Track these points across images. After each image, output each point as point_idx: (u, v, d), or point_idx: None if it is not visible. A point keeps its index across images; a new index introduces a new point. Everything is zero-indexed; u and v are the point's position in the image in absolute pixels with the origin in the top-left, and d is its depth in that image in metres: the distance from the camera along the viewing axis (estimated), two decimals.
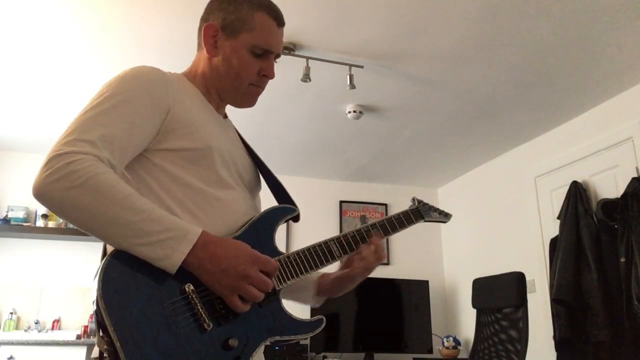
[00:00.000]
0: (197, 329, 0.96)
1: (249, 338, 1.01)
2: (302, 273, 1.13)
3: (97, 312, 0.90)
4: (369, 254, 1.23)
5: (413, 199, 1.38)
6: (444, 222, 1.43)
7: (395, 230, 1.29)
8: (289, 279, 1.10)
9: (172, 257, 0.94)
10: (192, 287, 0.97)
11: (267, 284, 1.01)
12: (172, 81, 1.12)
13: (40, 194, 0.92)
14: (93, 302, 0.92)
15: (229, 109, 1.30)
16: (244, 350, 1.00)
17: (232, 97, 1.22)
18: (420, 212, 1.35)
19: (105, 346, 0.90)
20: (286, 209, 1.19)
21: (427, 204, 1.37)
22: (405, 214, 1.32)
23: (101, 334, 0.91)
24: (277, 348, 4.03)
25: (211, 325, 0.97)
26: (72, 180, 0.91)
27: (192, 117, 1.10)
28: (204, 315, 0.97)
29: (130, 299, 0.92)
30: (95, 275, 0.93)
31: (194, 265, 0.97)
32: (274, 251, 1.12)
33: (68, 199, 0.91)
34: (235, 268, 0.98)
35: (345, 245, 1.21)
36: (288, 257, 1.12)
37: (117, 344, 0.88)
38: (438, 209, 1.40)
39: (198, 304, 0.97)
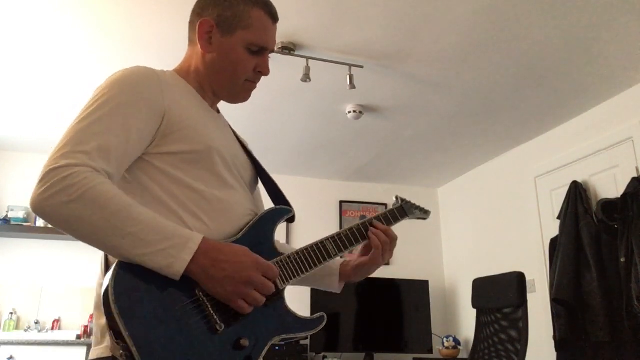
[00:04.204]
0: (209, 330, 0.97)
1: (258, 337, 1.03)
2: (302, 272, 1.14)
3: (110, 317, 0.89)
4: (377, 243, 1.27)
5: (396, 197, 1.42)
6: (424, 218, 1.48)
7: None
8: (291, 278, 1.12)
9: (174, 266, 0.94)
10: (202, 290, 0.98)
11: (269, 288, 1.02)
12: (166, 82, 1.10)
13: (38, 209, 0.91)
14: (102, 306, 0.91)
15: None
16: (254, 349, 1.02)
17: (227, 94, 1.22)
18: (405, 209, 1.39)
19: (120, 351, 0.89)
20: (283, 210, 1.20)
21: (410, 202, 1.42)
22: (391, 212, 1.37)
23: (115, 339, 0.90)
24: (277, 348, 4.02)
25: (222, 326, 0.98)
26: (68, 195, 0.90)
27: (189, 118, 1.09)
28: (215, 317, 0.98)
29: (143, 303, 0.92)
30: (105, 280, 0.93)
31: (197, 273, 0.96)
32: (274, 252, 1.13)
33: (66, 214, 0.91)
34: (239, 274, 0.98)
35: (339, 243, 1.23)
36: (288, 257, 1.14)
37: (133, 349, 0.88)
38: (419, 206, 1.45)
39: (209, 306, 0.98)
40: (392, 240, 1.30)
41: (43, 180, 0.91)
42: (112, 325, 0.89)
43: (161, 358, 0.90)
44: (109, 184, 0.95)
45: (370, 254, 1.29)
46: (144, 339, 0.89)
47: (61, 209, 0.90)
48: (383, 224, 1.32)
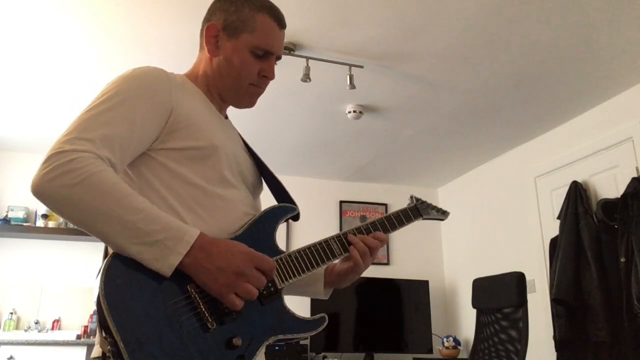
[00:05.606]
0: (200, 328, 0.96)
1: (252, 337, 1.01)
2: (303, 272, 1.13)
3: (100, 312, 0.89)
4: (365, 251, 1.22)
5: (411, 197, 1.39)
6: (442, 219, 1.44)
7: (394, 228, 1.30)
8: (290, 278, 1.11)
9: (168, 258, 0.94)
10: (194, 287, 0.98)
11: (261, 280, 1.01)
12: (175, 82, 1.12)
13: (39, 191, 0.92)
14: (95, 302, 0.91)
15: (230, 108, 1.30)
16: (248, 349, 1.00)
17: (232, 97, 1.23)
18: (419, 209, 1.36)
19: (108, 347, 0.89)
20: (286, 208, 1.19)
21: (425, 202, 1.39)
22: (404, 211, 1.33)
23: (104, 334, 0.90)
24: (277, 348, 4.03)
25: (214, 324, 0.97)
26: (71, 178, 0.91)
27: (195, 116, 1.11)
28: (207, 315, 0.97)
29: (133, 298, 0.92)
30: (98, 275, 0.93)
31: (191, 266, 0.96)
32: (274, 250, 1.12)
33: (66, 197, 0.91)
34: (230, 265, 0.98)
35: (345, 243, 1.21)
36: (289, 255, 1.13)
37: (121, 344, 0.87)
38: (436, 206, 1.42)
39: (201, 303, 0.97)
40: (373, 249, 1.23)
41: (46, 162, 0.93)
42: (101, 320, 0.89)
43: (149, 354, 0.89)
44: (111, 172, 0.96)
45: (352, 258, 1.23)
46: (131, 335, 0.89)
47: (62, 192, 0.91)
48: (396, 224, 1.30)
